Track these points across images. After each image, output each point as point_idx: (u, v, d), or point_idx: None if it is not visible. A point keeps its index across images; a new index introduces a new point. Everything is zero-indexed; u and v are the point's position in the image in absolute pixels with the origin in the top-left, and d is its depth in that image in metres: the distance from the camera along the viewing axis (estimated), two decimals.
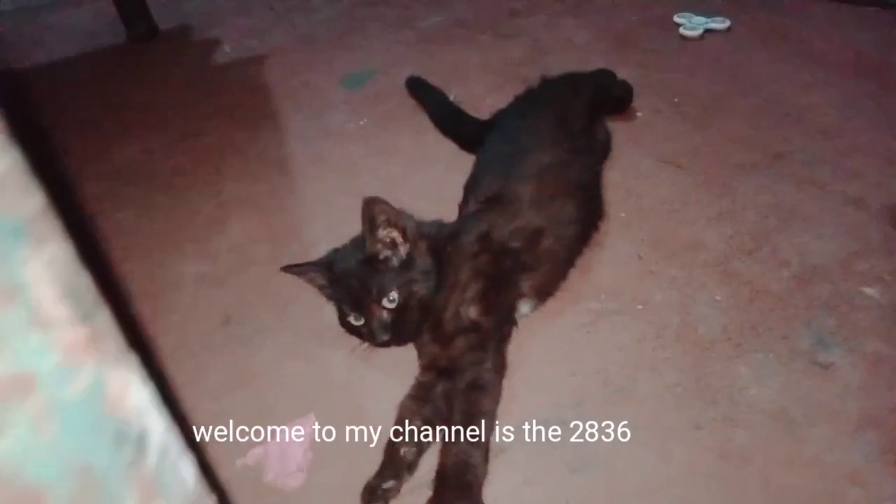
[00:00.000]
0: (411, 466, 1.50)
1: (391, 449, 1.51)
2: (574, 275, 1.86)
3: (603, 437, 1.55)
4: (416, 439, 1.53)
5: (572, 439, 1.55)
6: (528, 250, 1.73)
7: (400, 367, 1.76)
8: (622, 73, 2.43)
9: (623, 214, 2.03)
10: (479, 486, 1.41)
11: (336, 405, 1.69)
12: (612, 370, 1.67)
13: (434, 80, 2.57)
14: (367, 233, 1.59)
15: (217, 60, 3.09)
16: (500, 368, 1.61)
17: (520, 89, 2.29)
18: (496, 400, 1.56)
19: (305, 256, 2.06)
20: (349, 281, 1.62)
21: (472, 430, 1.46)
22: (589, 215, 1.90)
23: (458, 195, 1.98)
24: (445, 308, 1.65)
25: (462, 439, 1.45)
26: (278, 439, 1.58)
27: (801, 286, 1.80)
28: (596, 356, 1.71)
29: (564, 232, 1.80)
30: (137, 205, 2.34)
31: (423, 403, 1.58)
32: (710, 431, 1.53)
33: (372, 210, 1.59)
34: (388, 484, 1.45)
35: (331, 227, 2.12)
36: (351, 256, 1.67)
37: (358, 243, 1.68)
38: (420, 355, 1.69)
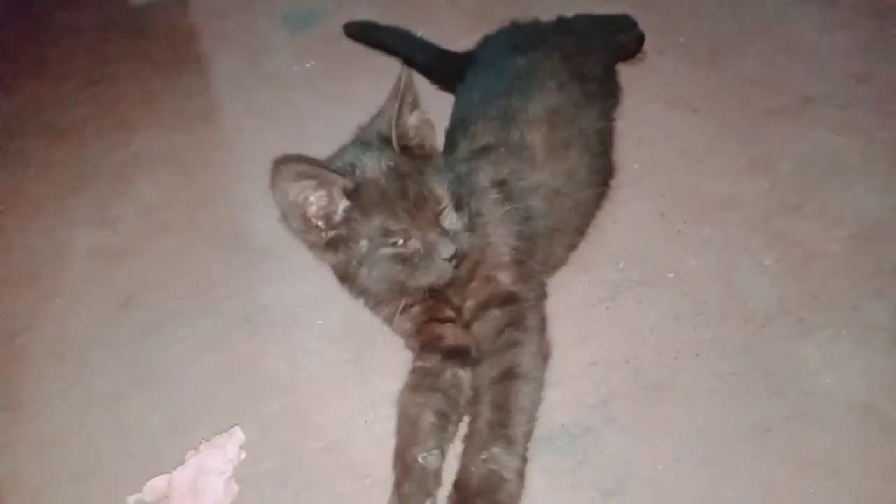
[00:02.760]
0: (437, 477, 1.08)
1: (405, 458, 1.08)
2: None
3: (640, 448, 1.11)
4: (435, 440, 1.10)
5: (601, 452, 1.11)
6: (546, 214, 1.29)
7: (365, 356, 1.29)
8: (618, 11, 2.01)
9: (636, 165, 1.61)
10: None
11: (273, 415, 1.21)
12: (644, 357, 1.24)
13: (396, 20, 2.09)
14: (397, 114, 1.12)
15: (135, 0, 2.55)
16: (545, 353, 1.18)
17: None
18: (539, 394, 1.13)
19: (234, 222, 1.58)
20: (386, 189, 1.08)
21: (507, 432, 1.05)
22: (604, 170, 1.47)
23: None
24: (474, 271, 1.20)
25: (493, 444, 1.04)
26: (190, 465, 1.08)
27: (862, 247, 1.41)
28: (621, 340, 1.27)
29: (581, 193, 1.38)
30: (19, 161, 1.80)
31: (429, 394, 1.14)
32: (783, 434, 1.13)
33: (406, 82, 1.12)
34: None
35: (267, 189, 1.61)
36: (377, 154, 1.13)
37: (368, 142, 1.16)
38: (414, 332, 1.22)
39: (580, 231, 1.40)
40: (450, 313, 1.22)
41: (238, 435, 1.12)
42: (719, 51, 2.01)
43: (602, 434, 1.13)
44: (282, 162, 1.04)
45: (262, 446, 1.14)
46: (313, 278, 1.39)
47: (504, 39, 1.76)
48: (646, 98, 1.81)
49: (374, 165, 1.11)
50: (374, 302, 1.23)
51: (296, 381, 1.25)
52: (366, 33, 2.08)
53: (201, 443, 1.11)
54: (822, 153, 1.63)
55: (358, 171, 1.11)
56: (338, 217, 1.10)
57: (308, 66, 2.04)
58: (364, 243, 1.09)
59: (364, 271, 1.11)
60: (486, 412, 1.08)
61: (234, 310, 1.38)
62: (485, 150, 1.35)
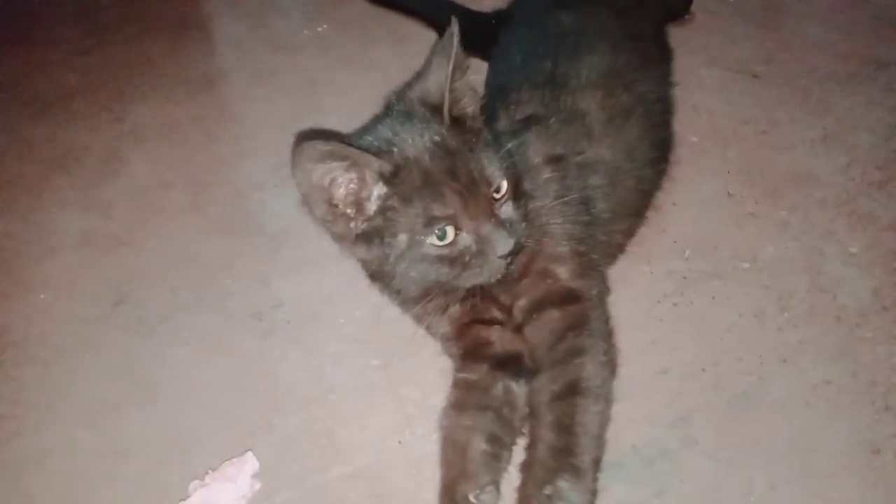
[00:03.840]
0: None
1: (454, 496, 0.88)
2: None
3: (728, 475, 0.91)
4: (489, 472, 0.89)
5: (681, 480, 0.91)
6: (607, 196, 1.07)
7: (396, 362, 1.08)
8: None
9: (695, 138, 1.38)
10: None
11: (290, 434, 1.00)
12: (724, 364, 1.03)
13: None
14: (450, 76, 0.89)
15: None
16: (613, 364, 0.97)
17: None
18: (608, 412, 0.92)
19: (243, 204, 1.37)
20: (429, 172, 0.86)
21: (574, 461, 0.86)
22: (665, 144, 1.25)
23: None
24: (528, 264, 0.97)
25: (558, 476, 0.85)
26: (193, 499, 0.89)
27: None
28: (694, 342, 1.06)
29: (643, 170, 1.16)
30: (0, 138, 1.57)
31: (479, 415, 0.93)
32: (895, 457, 0.91)
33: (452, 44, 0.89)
34: None
35: (281, 164, 1.41)
36: (419, 129, 0.90)
37: (409, 112, 0.93)
38: (454, 336, 1.01)
39: (640, 214, 1.18)
40: (497, 314, 1.00)
41: (252, 462, 0.92)
42: (774, 10, 1.78)
43: (682, 458, 0.93)
44: (305, 139, 0.82)
45: (279, 473, 0.94)
46: (335, 269, 1.18)
47: None
48: (699, 62, 1.59)
49: (416, 141, 0.88)
50: (408, 302, 1.02)
51: (317, 392, 1.04)
52: None
53: (208, 473, 0.91)
54: None
55: (397, 150, 0.88)
56: (372, 205, 0.87)
57: (320, 29, 1.80)
58: (403, 237, 0.86)
59: (401, 270, 0.89)
60: (547, 436, 0.88)
61: (243, 307, 1.17)
62: (531, 121, 1.12)
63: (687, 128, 1.40)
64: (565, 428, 0.88)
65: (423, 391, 1.03)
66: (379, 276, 0.93)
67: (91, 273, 1.26)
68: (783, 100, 1.49)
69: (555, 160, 1.06)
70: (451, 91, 0.90)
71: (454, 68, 0.89)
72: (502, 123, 1.14)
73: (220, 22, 1.90)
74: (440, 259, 0.87)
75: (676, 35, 1.62)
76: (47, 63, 1.79)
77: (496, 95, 1.28)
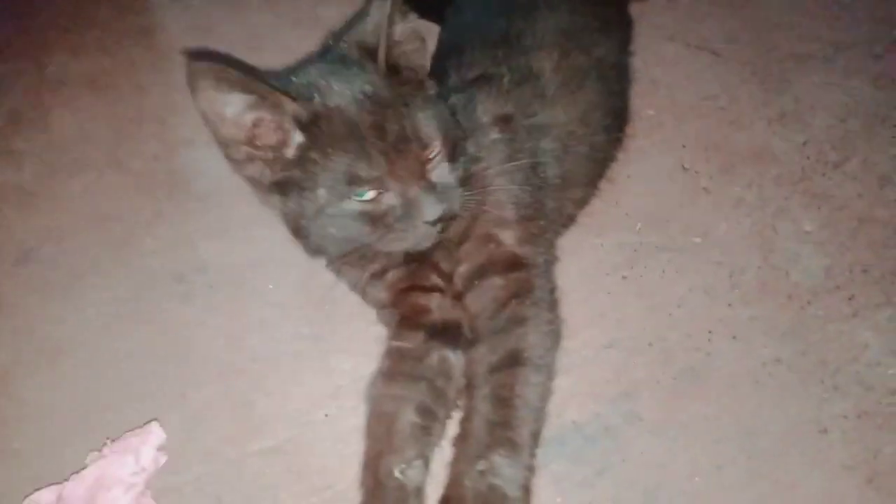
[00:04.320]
0: (419, 495, 0.82)
1: (377, 470, 0.81)
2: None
3: (672, 454, 0.86)
4: (417, 446, 0.83)
5: (624, 459, 0.86)
6: (558, 161, 1.00)
7: (327, 332, 1.01)
8: None
9: (651, 112, 1.33)
10: None
11: (205, 405, 0.91)
12: (672, 339, 0.98)
13: None
14: (388, 19, 0.81)
15: None
16: (557, 334, 0.90)
17: None
18: (549, 384, 0.86)
19: (169, 160, 1.26)
20: (356, 124, 0.79)
21: (511, 434, 0.80)
22: (621, 113, 1.19)
23: None
24: (469, 228, 0.91)
25: (493, 450, 0.79)
26: (87, 474, 0.79)
27: None
28: (642, 316, 1.01)
29: (596, 137, 1.09)
30: None
31: (410, 384, 0.87)
32: (842, 437, 0.89)
33: None
34: None
35: None
36: (351, 75, 0.82)
37: (344, 56, 0.85)
38: (390, 303, 0.94)
39: (593, 184, 1.13)
40: (436, 280, 0.93)
41: (156, 433, 0.83)
42: None
43: (625, 435, 0.87)
44: (197, 59, 0.73)
45: (189, 447, 0.85)
46: (266, 234, 1.09)
47: None
48: (659, 37, 1.53)
49: (344, 89, 0.80)
50: (337, 263, 0.94)
51: (237, 362, 0.95)
52: None
53: (106, 444, 0.82)
54: (861, 105, 1.38)
55: (318, 96, 0.79)
56: (289, 152, 0.79)
57: None
58: (322, 192, 0.78)
59: (320, 226, 0.81)
60: (483, 408, 0.81)
61: (163, 268, 1.07)
62: (482, 80, 1.05)
63: (645, 101, 1.34)
64: (503, 400, 0.82)
65: (354, 361, 0.96)
66: (298, 231, 0.84)
67: None
68: (743, 78, 1.45)
69: (504, 120, 0.99)
70: (389, 35, 0.82)
71: (393, 10, 0.81)
72: (452, 82, 1.07)
73: None
74: (362, 217, 0.79)
75: (639, 8, 1.56)
76: None
77: (447, 53, 1.20)
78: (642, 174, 1.22)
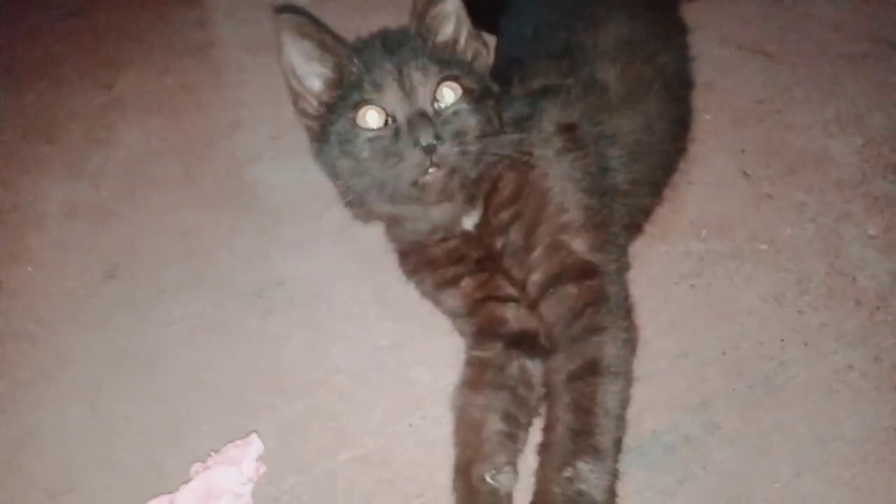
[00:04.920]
0: (510, 500, 0.85)
1: (469, 477, 0.84)
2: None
3: (751, 462, 0.88)
4: (505, 452, 0.86)
5: (704, 468, 0.87)
6: (626, 167, 1.02)
7: (405, 342, 1.03)
8: None
9: (708, 116, 1.34)
10: None
11: (296, 417, 0.95)
12: (745, 347, 1.00)
13: None
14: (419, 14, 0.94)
15: None
16: (633, 341, 0.91)
17: None
18: (628, 391, 0.87)
19: (239, 176, 1.30)
20: (383, 56, 0.89)
21: (594, 442, 0.81)
22: (684, 119, 1.20)
23: None
24: (532, 234, 0.93)
25: (577, 457, 0.80)
26: (197, 484, 0.83)
27: None
28: (714, 325, 1.03)
29: (662, 144, 1.11)
30: None
31: (493, 393, 0.89)
32: None
33: None
34: None
35: (277, 136, 1.35)
36: (387, 44, 0.92)
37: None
38: (467, 313, 0.96)
39: (659, 192, 1.14)
40: (510, 290, 0.95)
41: (256, 445, 0.86)
42: None
43: (704, 444, 0.89)
44: (284, 12, 0.91)
45: (285, 458, 0.89)
46: (338, 247, 1.13)
47: None
48: (710, 39, 1.53)
49: (382, 50, 0.90)
50: (408, 266, 1.00)
51: (322, 374, 0.99)
52: None
53: (210, 455, 0.86)
54: None
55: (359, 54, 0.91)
56: (327, 97, 0.92)
57: None
58: (340, 123, 0.88)
59: (345, 165, 0.88)
60: (565, 417, 0.83)
61: (242, 283, 1.11)
62: (548, 91, 1.07)
63: (701, 105, 1.34)
64: (584, 409, 0.83)
65: (433, 373, 0.98)
66: (333, 175, 0.92)
67: (80, 245, 1.20)
68: (797, 79, 1.45)
69: (568, 129, 1.00)
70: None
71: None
72: (516, 92, 1.09)
73: None
74: (372, 146, 0.86)
75: (688, 12, 1.57)
76: (34, 27, 1.70)
77: (509, 65, 1.22)
78: (704, 180, 1.23)
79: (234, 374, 1.00)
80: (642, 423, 0.90)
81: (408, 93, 0.85)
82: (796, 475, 0.87)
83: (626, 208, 1.03)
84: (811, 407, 0.93)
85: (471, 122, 0.86)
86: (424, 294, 1.01)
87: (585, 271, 0.92)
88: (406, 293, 1.03)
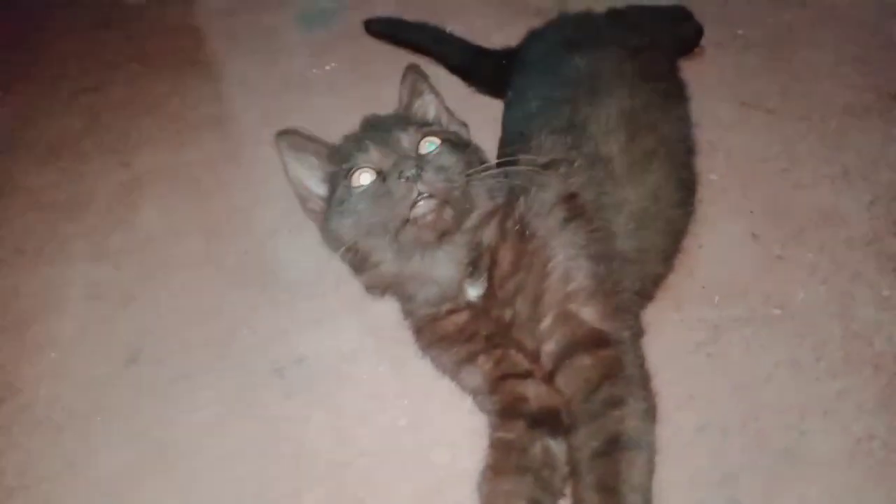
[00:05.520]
0: None
1: None
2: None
3: None
4: None
5: None
6: (633, 234, 1.03)
7: (423, 422, 1.04)
8: (668, 0, 1.75)
9: (714, 177, 1.36)
10: None
11: (317, 501, 0.95)
12: (765, 418, 1.00)
13: (420, 15, 1.83)
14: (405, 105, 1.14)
15: None
16: (653, 410, 0.92)
17: (534, 23, 1.59)
18: (652, 463, 0.87)
19: (258, 254, 1.33)
20: (371, 132, 1.05)
21: None
22: (689, 183, 1.22)
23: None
24: (538, 305, 0.94)
25: None
26: None
27: None
28: (732, 396, 1.03)
29: (669, 210, 1.12)
30: (5, 183, 1.53)
31: (518, 479, 0.89)
32: None
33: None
34: None
35: (293, 210, 1.36)
36: (379, 128, 1.08)
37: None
38: (488, 391, 0.98)
39: (669, 259, 1.15)
40: (527, 365, 0.97)
41: None
42: (784, 42, 1.75)
43: None
44: (281, 133, 1.06)
45: None
46: (354, 322, 1.15)
47: (554, 35, 1.50)
48: (712, 98, 1.55)
49: (377, 139, 1.01)
50: (423, 342, 1.03)
51: (344, 458, 0.99)
52: (390, 30, 1.82)
53: None
54: None
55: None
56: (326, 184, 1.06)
57: (328, 68, 1.77)
58: (339, 192, 0.99)
59: (348, 227, 0.97)
60: (591, 498, 0.83)
61: (262, 363, 1.13)
62: (552, 165, 1.09)
63: (706, 166, 1.36)
64: (610, 488, 0.83)
65: (452, 454, 0.99)
66: (339, 245, 0.98)
67: (102, 329, 1.22)
68: (801, 135, 1.46)
69: (569, 199, 1.03)
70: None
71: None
72: (524, 167, 1.12)
73: (225, 60, 1.85)
74: (364, 196, 0.95)
75: (688, 70, 1.59)
76: (51, 103, 1.75)
77: (512, 139, 1.26)
78: (714, 243, 1.24)
79: (258, 459, 1.01)
80: (666, 502, 0.90)
81: (393, 148, 0.97)
82: None
83: (635, 275, 1.05)
84: (833, 479, 0.93)
85: (452, 160, 0.96)
86: (443, 371, 1.03)
87: (598, 340, 0.93)
88: (424, 368, 1.04)
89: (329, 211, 1.01)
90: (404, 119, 1.07)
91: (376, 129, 1.04)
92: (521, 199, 1.00)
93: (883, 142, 1.44)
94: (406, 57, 1.73)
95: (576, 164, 1.08)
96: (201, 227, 1.37)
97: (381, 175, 0.95)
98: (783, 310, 1.13)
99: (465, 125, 1.15)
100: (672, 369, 1.05)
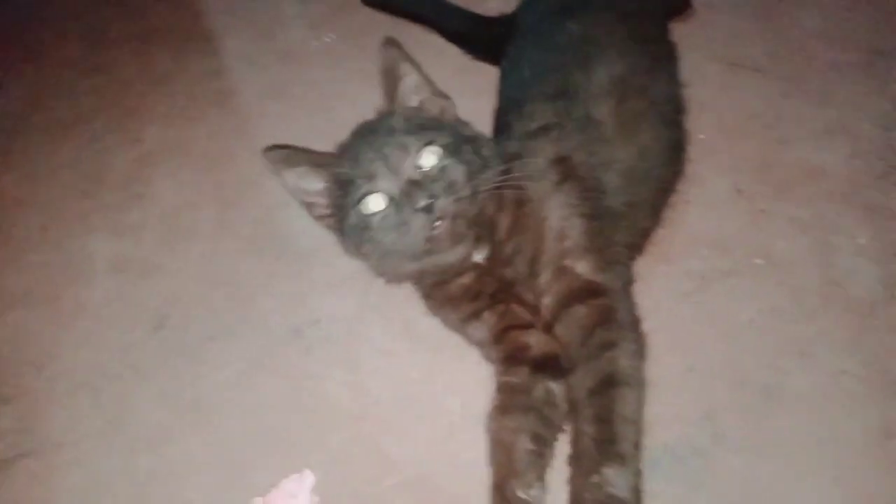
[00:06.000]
0: None
1: (504, 493, 0.94)
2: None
3: (757, 468, 0.97)
4: (535, 469, 0.96)
5: (714, 476, 0.97)
6: (622, 192, 1.11)
7: (435, 373, 1.13)
8: None
9: (702, 136, 1.42)
10: None
11: (341, 449, 1.06)
12: (746, 359, 1.09)
13: None
14: (389, 93, 1.09)
15: None
16: (643, 351, 1.01)
17: None
18: (643, 398, 0.96)
19: (270, 223, 1.40)
20: (367, 149, 1.01)
21: (617, 449, 0.90)
22: (678, 142, 1.29)
23: (478, 126, 1.31)
24: (535, 264, 1.03)
25: (603, 465, 0.89)
26: None
27: None
28: (717, 339, 1.12)
29: (658, 169, 1.19)
30: (21, 165, 1.60)
31: (522, 416, 0.99)
32: None
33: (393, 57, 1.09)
34: None
35: None
36: (373, 132, 1.06)
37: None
38: (493, 342, 1.07)
39: (658, 214, 1.23)
40: (527, 316, 1.06)
41: (309, 478, 0.97)
42: (772, 2, 1.80)
43: (712, 454, 0.99)
44: (267, 150, 1.05)
45: (335, 487, 0.99)
46: (366, 286, 1.23)
47: (547, 1, 1.55)
48: (703, 58, 1.61)
49: (370, 140, 1.02)
50: (432, 305, 1.11)
51: (362, 407, 1.09)
52: (386, 0, 1.86)
53: (269, 490, 0.96)
54: None
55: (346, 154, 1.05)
56: (333, 198, 1.05)
57: (327, 39, 1.81)
58: (353, 218, 1.01)
59: (369, 249, 1.01)
60: (589, 430, 0.92)
61: (282, 324, 1.21)
62: (545, 130, 1.16)
63: (695, 125, 1.42)
64: (605, 420, 0.92)
65: (462, 400, 1.08)
66: (364, 258, 1.05)
67: (129, 298, 1.30)
68: (787, 93, 1.52)
69: (560, 161, 1.10)
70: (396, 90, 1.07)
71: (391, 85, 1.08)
72: (516, 132, 1.19)
73: (226, 36, 1.88)
74: (382, 226, 0.98)
75: (678, 31, 1.64)
76: (59, 85, 1.79)
77: (509, 107, 1.32)
78: (701, 199, 1.31)
79: (283, 412, 1.11)
80: (655, 437, 0.99)
81: (394, 171, 0.97)
82: (798, 479, 0.96)
83: (625, 230, 1.13)
84: (809, 413, 1.03)
85: (457, 172, 0.99)
86: (451, 328, 1.12)
87: (592, 291, 1.01)
88: (433, 327, 1.13)
89: (343, 230, 1.04)
90: (398, 125, 1.03)
91: (371, 145, 1.00)
92: (516, 166, 1.06)
93: (866, 97, 1.50)
94: (403, 27, 1.79)
95: (567, 129, 1.16)
96: (214, 199, 1.44)
97: (391, 199, 0.97)
98: (766, 260, 1.21)
99: (447, 98, 1.13)
100: (661, 317, 1.14)
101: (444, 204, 0.95)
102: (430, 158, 0.98)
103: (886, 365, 1.07)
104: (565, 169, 1.09)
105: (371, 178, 0.98)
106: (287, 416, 1.10)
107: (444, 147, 0.99)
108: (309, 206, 1.09)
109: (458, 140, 1.02)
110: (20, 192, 1.56)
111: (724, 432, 1.01)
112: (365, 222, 0.99)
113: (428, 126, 1.03)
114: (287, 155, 1.05)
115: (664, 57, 1.39)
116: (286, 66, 1.75)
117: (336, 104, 1.62)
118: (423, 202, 0.94)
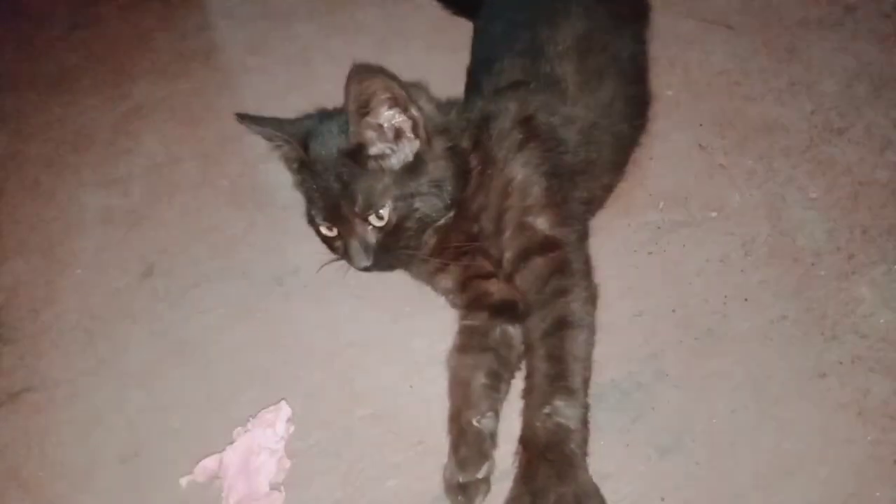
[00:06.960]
0: (493, 439, 1.05)
1: (459, 422, 1.04)
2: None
3: (694, 402, 1.07)
4: (488, 402, 1.06)
5: (654, 408, 1.07)
6: (582, 148, 1.17)
7: (404, 317, 1.22)
8: None
9: (670, 92, 1.48)
10: (583, 457, 0.97)
11: (316, 384, 1.15)
12: (692, 305, 1.17)
13: None
14: (354, 117, 1.05)
15: None
16: (594, 297, 1.10)
17: None
18: (592, 339, 1.06)
19: (251, 176, 1.47)
20: (325, 177, 1.07)
21: (566, 384, 0.99)
22: (641, 100, 1.34)
23: (452, 82, 1.36)
24: (500, 220, 1.11)
25: (553, 397, 0.99)
26: (240, 444, 1.04)
27: None
28: (666, 287, 1.20)
29: (618, 125, 1.25)
30: (13, 122, 1.66)
31: (480, 355, 1.09)
32: (839, 380, 1.07)
33: (363, 84, 1.01)
34: (478, 472, 1.00)
35: None
36: (333, 137, 1.09)
37: (344, 119, 1.09)
38: (457, 290, 1.16)
39: (619, 169, 1.29)
40: (490, 267, 1.14)
41: (285, 409, 1.07)
42: None
43: (654, 389, 1.08)
44: (241, 116, 1.14)
45: (309, 418, 1.09)
46: None
47: None
48: (675, 15, 1.65)
49: (323, 144, 1.09)
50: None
51: (336, 348, 1.18)
52: None
53: (249, 420, 1.06)
54: (867, 69, 1.49)
55: (311, 144, 1.10)
56: (294, 170, 1.17)
57: None
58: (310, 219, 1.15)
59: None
60: (541, 366, 1.02)
61: (263, 273, 1.30)
62: (512, 88, 1.22)
63: (664, 81, 1.49)
64: (556, 357, 1.01)
65: (428, 341, 1.17)
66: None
67: (118, 247, 1.39)
68: (755, 49, 1.57)
69: (524, 121, 1.16)
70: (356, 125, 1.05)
71: (357, 110, 1.04)
72: (486, 90, 1.25)
73: None
74: (332, 244, 1.13)
75: None
76: (47, 42, 1.84)
77: (481, 65, 1.37)
78: (663, 155, 1.38)
79: (262, 351, 1.20)
80: (602, 374, 1.08)
81: (343, 222, 1.07)
82: (732, 412, 1.05)
83: (584, 185, 1.20)
84: (748, 354, 1.11)
85: (409, 223, 1.08)
86: (419, 279, 1.20)
87: (550, 245, 1.10)
88: (403, 275, 1.21)
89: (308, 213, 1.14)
90: (350, 160, 1.06)
91: (324, 184, 1.07)
92: (483, 130, 1.14)
93: (830, 53, 1.54)
94: None
95: (533, 86, 1.22)
96: (197, 153, 1.51)
97: (329, 230, 1.11)
98: (719, 212, 1.28)
99: (419, 107, 1.07)
100: (616, 266, 1.22)
101: (382, 261, 1.09)
102: (377, 221, 1.06)
103: (825, 310, 1.14)
104: (529, 129, 1.16)
105: (322, 216, 1.10)
106: (266, 354, 1.19)
107: (396, 199, 1.06)
108: (283, 159, 1.19)
109: (406, 193, 1.07)
110: (13, 147, 1.62)
111: (666, 370, 1.10)
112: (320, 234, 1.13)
113: (382, 173, 1.06)
114: (251, 120, 1.14)
115: (630, 14, 1.43)
116: (268, 21, 1.80)
117: (316, 59, 1.68)
118: (360, 265, 1.08)
